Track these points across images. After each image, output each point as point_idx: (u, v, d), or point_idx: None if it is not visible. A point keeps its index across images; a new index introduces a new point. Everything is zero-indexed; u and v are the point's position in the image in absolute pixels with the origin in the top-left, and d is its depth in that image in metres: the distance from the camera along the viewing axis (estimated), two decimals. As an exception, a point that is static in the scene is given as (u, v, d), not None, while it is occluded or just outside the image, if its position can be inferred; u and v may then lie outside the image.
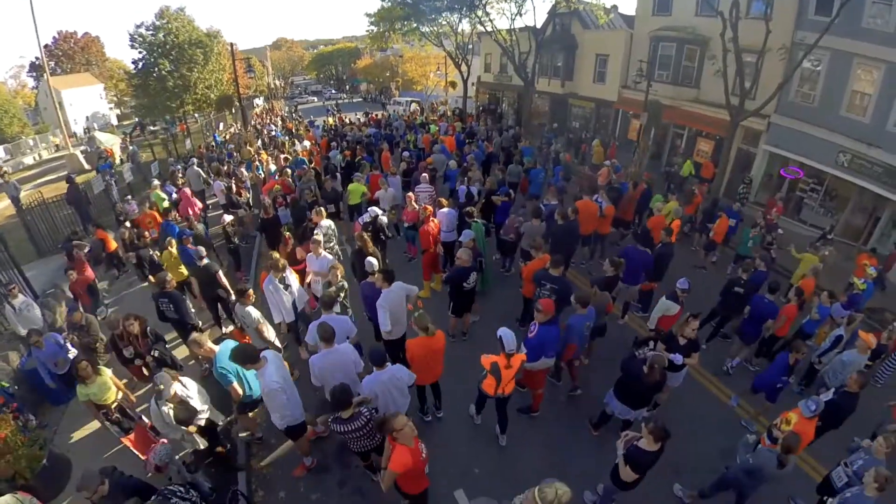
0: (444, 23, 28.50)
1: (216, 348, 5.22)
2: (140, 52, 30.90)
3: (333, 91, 73.37)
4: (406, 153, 14.65)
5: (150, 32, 30.39)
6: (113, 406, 5.80)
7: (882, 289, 10.29)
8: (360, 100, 63.50)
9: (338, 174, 13.30)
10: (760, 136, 15.82)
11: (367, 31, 31.89)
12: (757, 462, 4.64)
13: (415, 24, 27.92)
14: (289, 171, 14.32)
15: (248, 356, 4.67)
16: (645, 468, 4.32)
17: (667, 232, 8.66)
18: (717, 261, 11.48)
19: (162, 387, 4.89)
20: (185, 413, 5.01)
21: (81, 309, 7.32)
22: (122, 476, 4.54)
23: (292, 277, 7.07)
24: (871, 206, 13.40)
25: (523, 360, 5.19)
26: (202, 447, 5.31)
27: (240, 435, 6.23)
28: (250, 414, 5.89)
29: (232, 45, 23.61)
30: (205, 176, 15.25)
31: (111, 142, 28.00)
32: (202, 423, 5.31)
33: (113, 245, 10.88)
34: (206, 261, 7.93)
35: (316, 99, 63.76)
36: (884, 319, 9.38)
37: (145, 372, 6.57)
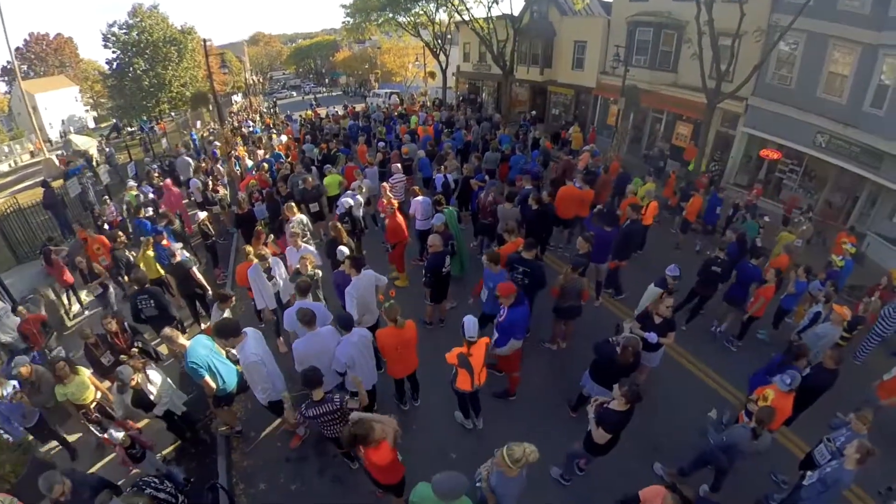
0: (421, 12, 28.18)
1: (188, 343, 5.19)
2: (114, 52, 30.29)
3: (313, 85, 72.28)
4: (381, 144, 14.48)
5: (124, 31, 29.76)
6: (92, 406, 5.81)
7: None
8: (340, 93, 62.55)
9: (313, 168, 13.09)
10: (739, 119, 15.86)
11: (343, 22, 31.48)
12: (731, 438, 4.63)
13: (391, 15, 27.55)
14: (266, 165, 14.14)
15: (229, 329, 4.82)
16: (616, 428, 4.37)
17: (633, 208, 8.52)
18: (700, 249, 11.45)
19: (124, 371, 5.15)
20: (141, 400, 5.27)
21: (35, 355, 6.62)
22: (83, 474, 4.56)
23: (280, 268, 7.08)
24: (850, 185, 13.53)
25: (487, 343, 5.15)
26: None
27: (219, 429, 6.21)
28: (228, 408, 5.87)
29: (205, 41, 23.19)
30: (193, 166, 15.03)
31: (87, 144, 27.35)
32: (159, 412, 5.47)
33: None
34: (179, 257, 7.85)
35: (295, 94, 62.88)
36: (863, 295, 9.48)
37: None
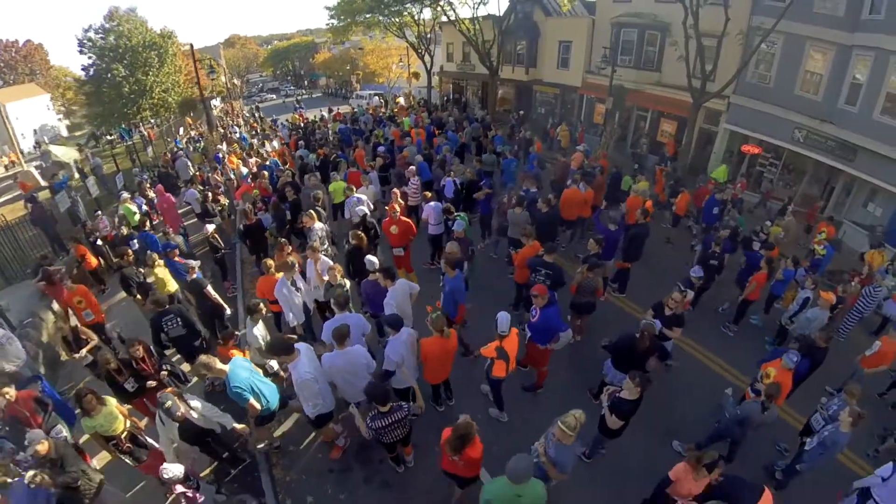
0: (406, 14, 28.29)
1: (227, 368, 5.08)
2: (90, 58, 29.41)
3: (292, 87, 71.47)
4: (381, 148, 14.69)
5: (100, 36, 28.90)
6: (123, 436, 5.44)
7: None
8: (320, 95, 62.08)
9: (318, 174, 13.17)
10: (721, 116, 16.57)
11: (328, 24, 31.35)
12: (744, 412, 5.21)
13: (379, 17, 27.59)
14: (266, 172, 14.19)
15: (283, 347, 4.81)
16: (627, 415, 4.84)
17: (643, 213, 9.10)
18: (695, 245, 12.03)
19: (169, 403, 4.78)
20: (187, 431, 5.01)
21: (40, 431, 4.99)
22: None
23: (300, 280, 7.07)
24: (826, 177, 14.33)
25: (517, 333, 5.61)
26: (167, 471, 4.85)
27: (257, 447, 6.17)
28: (266, 425, 5.85)
29: (191, 45, 22.92)
30: (193, 169, 14.82)
31: (68, 155, 26.69)
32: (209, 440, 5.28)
33: (93, 261, 10.36)
34: (196, 275, 7.65)
35: (275, 97, 61.93)
36: (842, 280, 10.19)
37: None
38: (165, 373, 6.28)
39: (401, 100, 31.31)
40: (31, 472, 4.31)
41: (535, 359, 6.40)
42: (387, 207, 9.45)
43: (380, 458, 5.85)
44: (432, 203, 9.27)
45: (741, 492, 4.11)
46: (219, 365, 5.07)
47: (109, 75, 28.61)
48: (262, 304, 6.32)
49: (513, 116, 23.34)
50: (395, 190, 10.12)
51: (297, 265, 7.06)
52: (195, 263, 7.88)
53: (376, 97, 37.14)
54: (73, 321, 8.05)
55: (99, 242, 11.23)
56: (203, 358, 5.09)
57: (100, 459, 6.10)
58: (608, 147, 18.25)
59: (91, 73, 30.00)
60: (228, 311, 8.16)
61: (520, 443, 5.63)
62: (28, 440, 4.64)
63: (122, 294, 10.24)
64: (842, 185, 13.91)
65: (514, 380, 6.46)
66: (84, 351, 6.59)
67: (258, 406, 5.10)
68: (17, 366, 6.89)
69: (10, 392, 5.47)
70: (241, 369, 5.12)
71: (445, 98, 33.48)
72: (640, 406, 4.88)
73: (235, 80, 68.32)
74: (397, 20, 28.74)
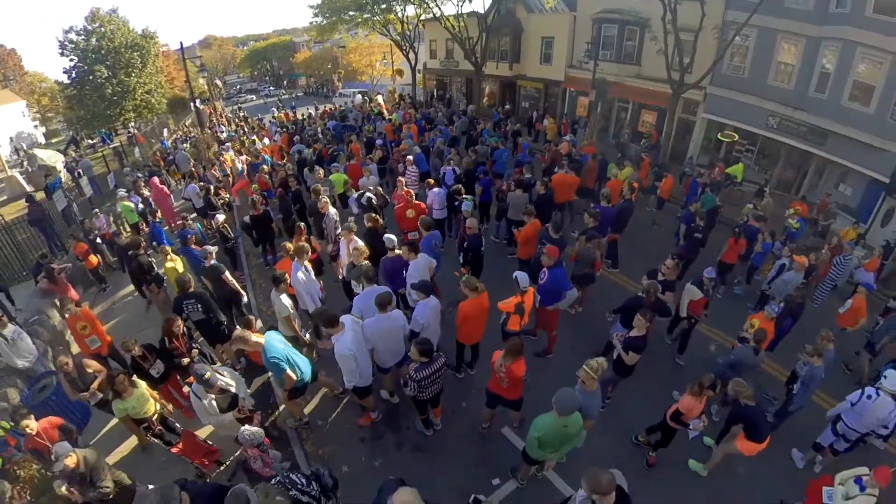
0: (391, 12, 28.42)
1: (262, 339, 5.19)
2: (72, 60, 28.99)
3: (271, 88, 70.93)
4: (379, 142, 15.12)
5: (82, 37, 28.52)
6: (154, 418, 5.53)
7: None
8: (301, 94, 61.53)
9: (320, 170, 13.37)
10: (698, 106, 17.41)
11: (312, 23, 31.40)
12: (737, 356, 5.96)
13: (367, 15, 27.68)
14: (265, 167, 14.45)
15: (329, 319, 5.03)
16: (640, 349, 5.52)
17: (630, 189, 9.99)
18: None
19: (208, 374, 4.89)
20: (228, 401, 5.11)
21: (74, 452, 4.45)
22: (196, 483, 4.33)
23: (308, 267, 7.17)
24: (799, 161, 15.25)
25: (533, 292, 6.26)
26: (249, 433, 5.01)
27: (287, 422, 6.36)
28: (298, 400, 5.98)
29: (181, 42, 22.83)
30: (193, 162, 14.91)
31: (54, 159, 26.34)
32: (249, 407, 5.36)
33: (94, 260, 10.45)
34: (213, 261, 7.80)
35: (255, 97, 61.40)
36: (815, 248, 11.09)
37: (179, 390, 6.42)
38: (196, 352, 6.42)
39: (379, 98, 31.48)
40: (62, 488, 4.23)
41: (545, 323, 6.98)
42: (396, 194, 9.94)
43: (407, 426, 6.25)
44: (436, 189, 9.76)
45: (757, 418, 4.91)
46: (254, 338, 5.18)
47: (92, 77, 28.22)
48: (286, 275, 6.51)
49: (497, 111, 23.78)
50: (400, 178, 10.54)
51: (308, 251, 7.14)
52: (213, 249, 8.05)
53: (359, 95, 37.31)
54: (75, 349, 7.72)
55: (98, 241, 11.22)
56: (239, 332, 5.18)
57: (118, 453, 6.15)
58: (592, 136, 18.93)
59: (73, 75, 29.53)
60: (245, 298, 8.28)
61: (537, 403, 6.18)
62: (55, 454, 4.38)
63: (124, 291, 10.55)
64: (814, 167, 14.84)
65: (527, 347, 6.97)
66: (94, 386, 5.86)
67: (294, 377, 5.26)
68: (29, 361, 6.98)
69: (31, 424, 5.11)
70: (276, 342, 5.29)
71: (430, 95, 33.86)
72: (638, 366, 5.57)
73: (217, 81, 67.62)
74: (380, 18, 28.79)
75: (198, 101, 51.55)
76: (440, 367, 5.05)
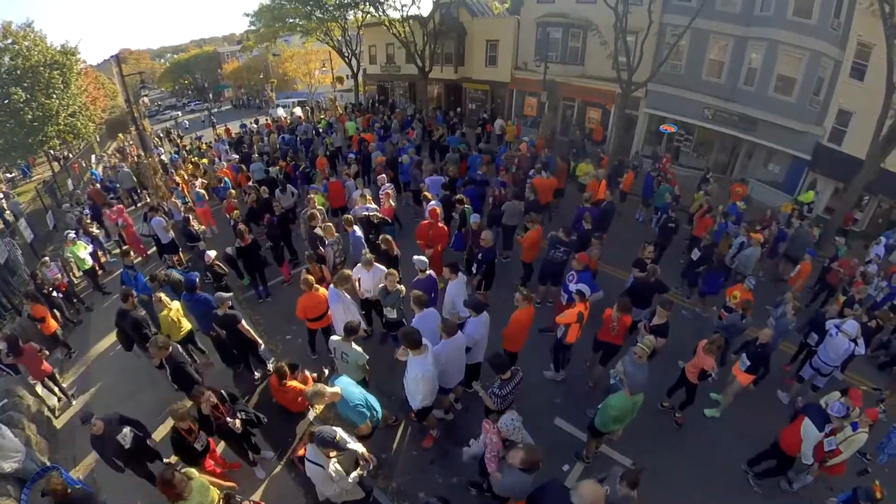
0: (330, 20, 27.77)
1: (339, 390, 4.87)
2: (-20, 84, 25.55)
3: (196, 102, 66.83)
4: (351, 155, 15.15)
5: (-8, 57, 25.11)
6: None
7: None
8: (230, 107, 58.72)
9: (288, 188, 12.98)
10: (640, 102, 18.85)
11: (249, 30, 30.16)
12: (728, 322, 7.30)
13: (312, 18, 26.70)
14: (233, 192, 13.99)
15: (414, 342, 4.99)
16: (666, 333, 6.42)
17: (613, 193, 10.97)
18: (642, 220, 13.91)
19: (338, 436, 4.31)
20: (352, 460, 4.56)
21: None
22: None
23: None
24: (732, 146, 17.03)
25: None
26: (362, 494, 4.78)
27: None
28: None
29: (118, 56, 20.64)
30: (136, 179, 14.22)
31: (-36, 198, 23.54)
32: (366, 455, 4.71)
33: (53, 325, 8.84)
34: (227, 308, 6.95)
35: (180, 114, 57.42)
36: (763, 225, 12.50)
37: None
38: (240, 420, 5.51)
39: (297, 110, 30.25)
40: None
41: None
42: (384, 209, 10.19)
43: (469, 438, 5.94)
44: (433, 202, 9.95)
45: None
46: (329, 390, 4.83)
47: (8, 102, 24.95)
48: (361, 323, 6.34)
49: (440, 114, 24.00)
50: (388, 191, 10.72)
51: (349, 277, 6.90)
52: (227, 296, 7.12)
53: (298, 107, 36.35)
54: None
55: (55, 294, 9.84)
56: (316, 386, 4.83)
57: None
58: (546, 135, 19.89)
59: (-16, 102, 26.10)
60: (262, 346, 7.92)
61: (576, 394, 7.10)
62: None
63: (96, 349, 9.20)
64: (745, 151, 16.65)
65: (543, 340, 7.68)
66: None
67: (371, 424, 5.24)
68: (18, 461, 5.71)
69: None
70: (352, 386, 5.11)
71: (370, 100, 33.47)
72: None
73: (145, 99, 63.03)
74: (324, 25, 27.95)
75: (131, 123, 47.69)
76: (519, 381, 5.20)
